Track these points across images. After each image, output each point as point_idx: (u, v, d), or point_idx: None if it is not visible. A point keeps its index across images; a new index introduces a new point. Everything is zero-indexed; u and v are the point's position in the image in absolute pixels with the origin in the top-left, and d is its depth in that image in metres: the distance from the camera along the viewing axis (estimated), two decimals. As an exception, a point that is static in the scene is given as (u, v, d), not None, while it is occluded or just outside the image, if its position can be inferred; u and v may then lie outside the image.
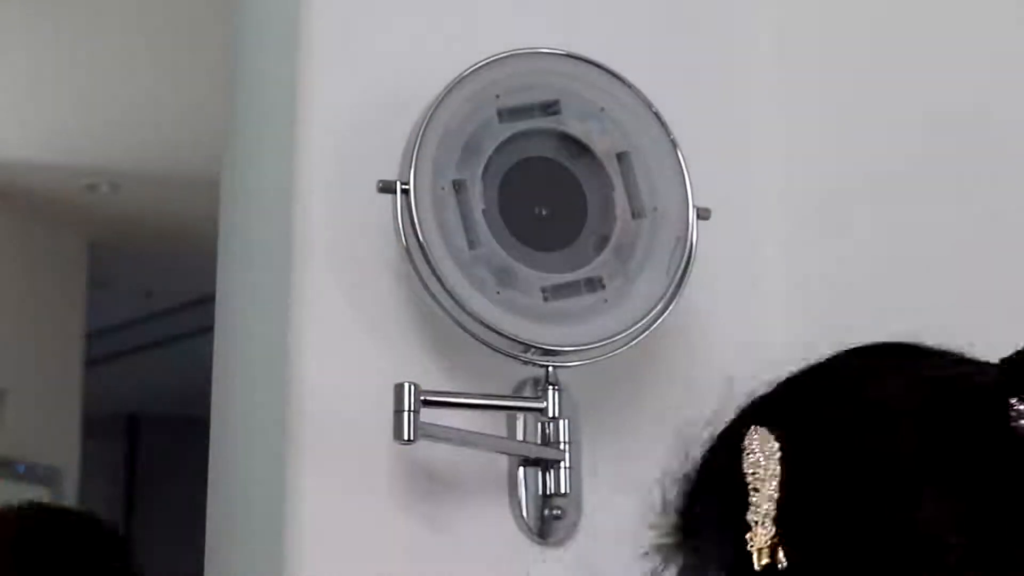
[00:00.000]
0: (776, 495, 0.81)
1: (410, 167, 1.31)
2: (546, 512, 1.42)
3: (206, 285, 1.63)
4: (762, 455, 0.83)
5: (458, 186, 1.34)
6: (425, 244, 1.30)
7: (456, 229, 1.33)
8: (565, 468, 1.40)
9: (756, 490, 0.82)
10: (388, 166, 1.33)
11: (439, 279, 1.30)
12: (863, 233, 1.58)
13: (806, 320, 1.57)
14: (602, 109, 1.40)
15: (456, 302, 1.31)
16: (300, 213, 1.39)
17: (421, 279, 1.31)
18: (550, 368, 1.39)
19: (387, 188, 1.31)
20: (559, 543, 1.44)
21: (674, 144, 1.41)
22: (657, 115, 1.42)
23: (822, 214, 1.62)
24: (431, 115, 1.32)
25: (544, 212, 1.38)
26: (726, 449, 0.85)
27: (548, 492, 1.41)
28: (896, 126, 1.57)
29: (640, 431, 1.52)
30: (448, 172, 1.33)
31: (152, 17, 3.84)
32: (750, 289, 1.59)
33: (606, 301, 1.37)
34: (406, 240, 1.31)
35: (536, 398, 1.40)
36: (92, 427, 5.46)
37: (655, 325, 1.39)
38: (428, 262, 1.31)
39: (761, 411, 0.86)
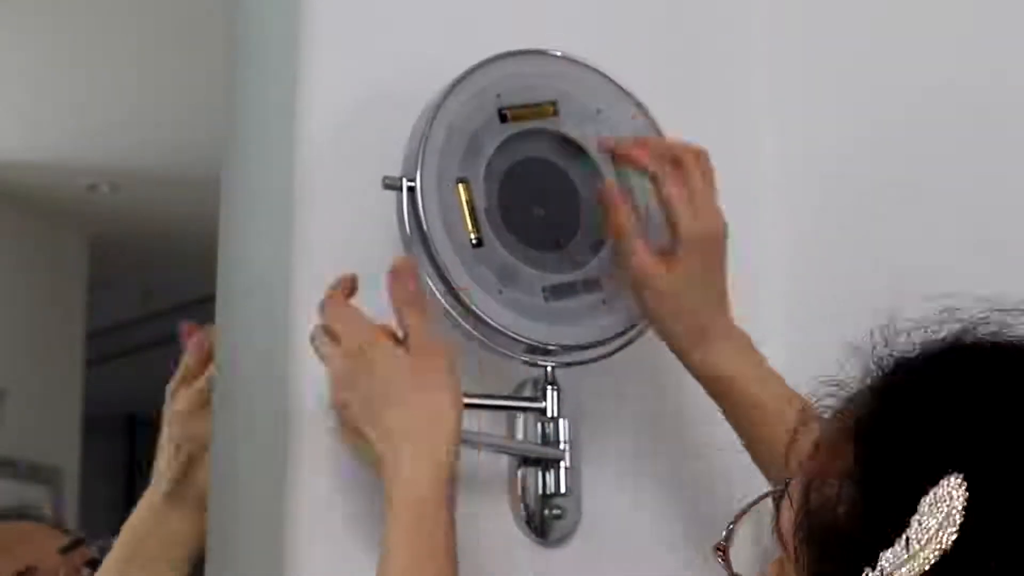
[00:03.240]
0: (940, 552, 0.77)
1: (416, 164, 1.30)
2: (546, 512, 1.42)
3: (206, 285, 1.63)
4: (945, 508, 0.78)
5: (462, 184, 1.33)
6: (431, 241, 1.30)
7: (461, 227, 1.33)
8: (565, 468, 1.40)
9: (918, 541, 0.78)
10: (388, 165, 1.33)
11: (444, 277, 1.30)
12: (864, 231, 1.58)
13: (806, 320, 1.57)
14: (598, 111, 1.41)
15: (461, 300, 1.31)
16: (300, 212, 1.39)
17: (427, 278, 1.31)
18: (550, 368, 1.39)
19: (392, 185, 1.31)
20: (559, 543, 1.44)
21: None
22: (651, 119, 1.42)
23: (822, 213, 1.62)
24: (436, 113, 1.32)
25: (541, 212, 1.38)
26: (896, 480, 0.80)
27: (548, 492, 1.41)
28: (897, 126, 1.58)
29: (640, 431, 1.52)
30: (452, 170, 1.33)
31: (152, 17, 3.84)
32: (749, 288, 1.58)
33: (604, 302, 1.38)
34: (411, 237, 1.31)
35: (536, 398, 1.40)
36: (92, 427, 5.45)
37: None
38: (433, 260, 1.30)
39: (938, 446, 0.80)
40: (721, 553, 0.91)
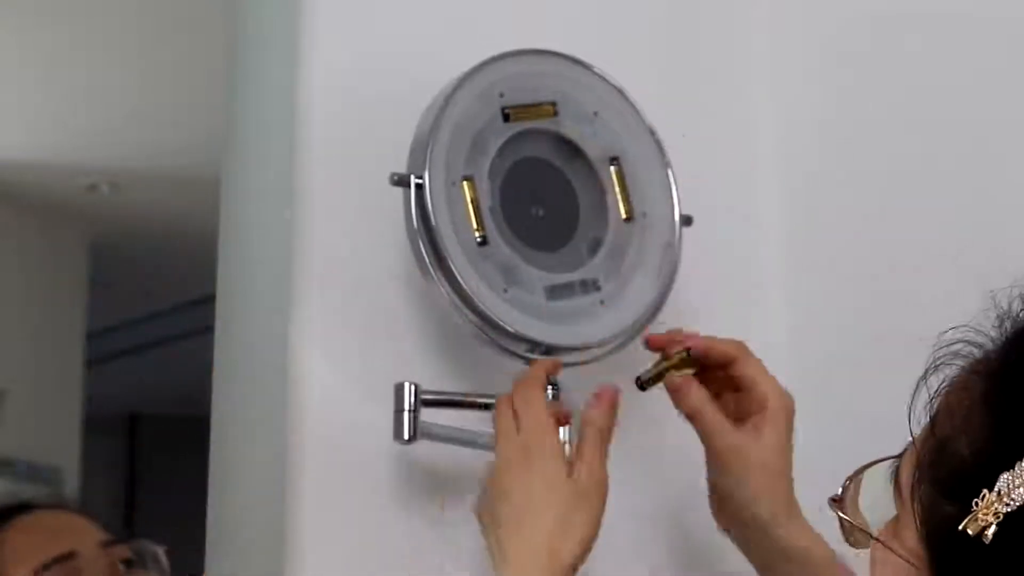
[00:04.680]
0: None
1: (424, 161, 1.30)
2: (546, 512, 1.42)
3: (206, 285, 1.63)
4: None
5: (467, 181, 1.33)
6: (439, 238, 1.30)
7: (467, 225, 1.33)
8: (565, 468, 1.40)
9: None
10: (388, 165, 1.33)
11: (451, 274, 1.30)
12: (861, 234, 1.59)
13: (805, 320, 1.57)
14: (596, 114, 1.41)
15: (468, 299, 1.31)
16: (300, 212, 1.39)
17: (433, 276, 1.31)
18: (550, 368, 1.39)
19: (401, 181, 1.31)
20: (559, 543, 1.44)
21: (662, 152, 1.42)
22: (648, 125, 1.42)
23: (820, 214, 1.62)
24: (444, 110, 1.32)
25: (540, 212, 1.39)
26: (1019, 413, 0.83)
27: (548, 492, 1.41)
28: (897, 122, 1.58)
29: (640, 431, 1.52)
30: (458, 167, 1.33)
31: (152, 17, 3.84)
32: (748, 289, 1.59)
33: (602, 303, 1.38)
34: (419, 235, 1.30)
35: (535, 398, 1.40)
36: (92, 427, 5.45)
37: (651, 327, 1.40)
38: (440, 257, 1.30)
39: None
40: (839, 503, 0.92)
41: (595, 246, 1.40)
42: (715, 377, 1.36)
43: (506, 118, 1.36)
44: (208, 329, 1.51)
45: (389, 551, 1.37)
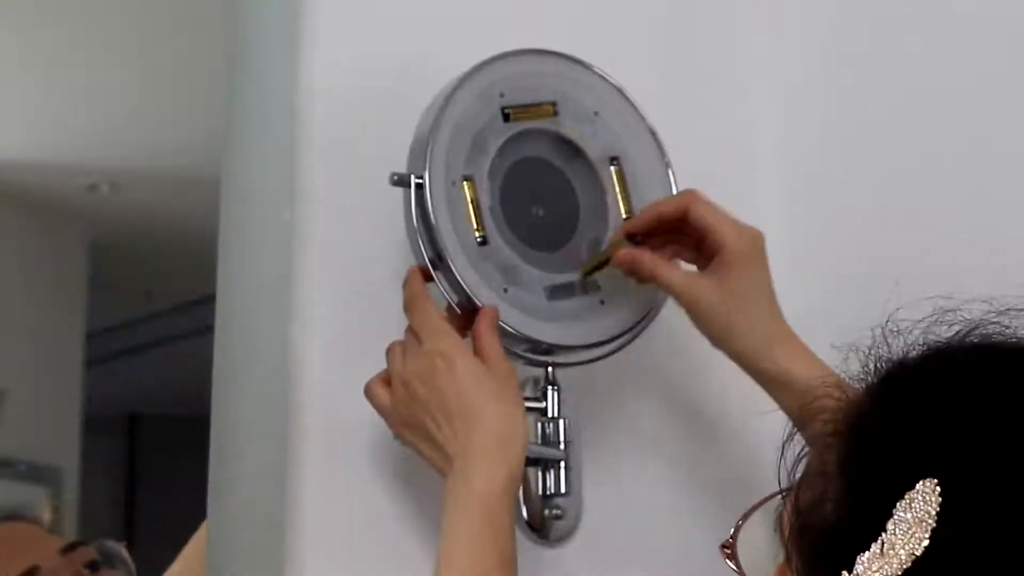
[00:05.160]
0: (912, 557, 0.77)
1: (424, 161, 1.30)
2: (546, 512, 1.42)
3: (206, 285, 1.63)
4: (919, 513, 0.77)
5: (467, 181, 1.33)
6: (439, 238, 1.30)
7: (467, 225, 1.33)
8: (565, 468, 1.40)
9: (892, 546, 0.77)
10: (388, 164, 1.33)
11: (454, 275, 1.30)
12: (862, 232, 1.59)
13: (805, 320, 1.57)
14: (596, 114, 1.41)
15: (468, 299, 1.31)
16: (300, 212, 1.39)
17: (433, 276, 1.31)
18: (550, 368, 1.39)
19: (401, 181, 1.31)
20: (559, 543, 1.45)
21: (662, 152, 1.42)
22: (648, 125, 1.42)
23: (820, 214, 1.62)
24: (443, 110, 1.32)
25: (540, 212, 1.39)
26: (875, 483, 0.80)
27: (548, 492, 1.41)
28: (898, 123, 1.58)
29: (640, 431, 1.53)
30: (458, 167, 1.33)
31: (152, 17, 3.85)
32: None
33: (602, 302, 1.38)
34: (419, 235, 1.30)
35: (536, 398, 1.40)
36: (92, 427, 5.46)
37: (650, 327, 1.40)
38: (440, 257, 1.30)
39: (916, 451, 0.80)
40: (728, 551, 0.90)
41: (595, 246, 1.40)
42: (682, 237, 1.36)
43: (506, 118, 1.36)
44: (208, 329, 1.51)
45: (389, 550, 1.37)
